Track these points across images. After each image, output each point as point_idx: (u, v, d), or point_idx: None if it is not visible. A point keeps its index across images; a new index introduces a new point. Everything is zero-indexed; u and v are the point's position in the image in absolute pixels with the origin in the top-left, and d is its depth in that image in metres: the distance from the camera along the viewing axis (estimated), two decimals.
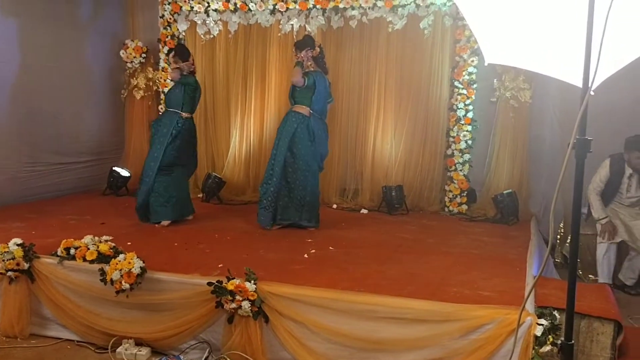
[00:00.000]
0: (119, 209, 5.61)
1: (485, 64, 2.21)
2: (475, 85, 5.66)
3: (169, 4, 6.35)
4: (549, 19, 1.95)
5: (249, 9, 6.08)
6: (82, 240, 3.77)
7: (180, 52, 5.10)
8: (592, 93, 1.82)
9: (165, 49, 6.47)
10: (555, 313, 2.91)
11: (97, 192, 6.49)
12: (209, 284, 3.29)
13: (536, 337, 2.79)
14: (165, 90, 6.51)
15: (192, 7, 6.26)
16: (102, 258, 3.61)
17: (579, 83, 1.84)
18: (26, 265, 3.63)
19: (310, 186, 4.82)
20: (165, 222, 4.90)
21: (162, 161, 4.85)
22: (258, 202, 4.94)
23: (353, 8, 5.78)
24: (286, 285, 3.32)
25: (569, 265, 1.97)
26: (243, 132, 6.46)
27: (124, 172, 6.45)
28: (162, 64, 6.52)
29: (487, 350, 2.89)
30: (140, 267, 3.43)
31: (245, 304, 3.20)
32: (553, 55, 2.01)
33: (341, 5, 5.80)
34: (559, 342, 2.63)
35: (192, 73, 5.06)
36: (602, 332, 3.07)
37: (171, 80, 5.28)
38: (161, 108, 6.60)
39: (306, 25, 5.97)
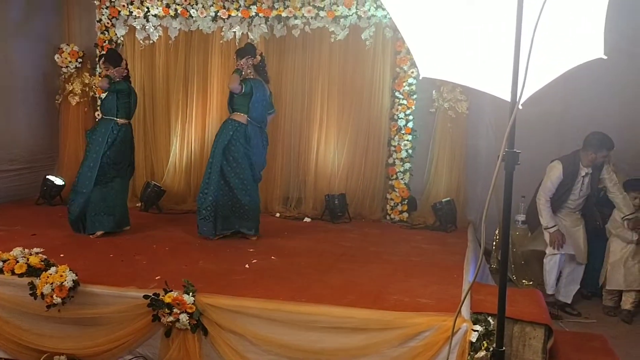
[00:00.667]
0: (52, 219, 5.39)
1: (420, 78, 2.26)
2: (415, 96, 5.78)
3: (107, 8, 6.18)
4: (479, 35, 2.02)
5: (190, 15, 6.00)
6: (11, 252, 3.60)
7: (111, 58, 4.97)
8: (520, 107, 1.89)
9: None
10: (490, 319, 3.00)
11: (29, 201, 6.21)
12: (146, 297, 3.21)
13: (471, 343, 2.87)
14: (102, 96, 6.33)
15: (131, 12, 6.11)
16: (32, 271, 3.46)
17: (508, 97, 1.92)
18: None
19: (249, 194, 4.78)
20: (99, 233, 4.74)
21: (99, 170, 4.71)
22: (197, 212, 4.85)
23: (296, 17, 5.81)
24: (226, 297, 3.28)
25: (499, 278, 2.03)
26: (184, 140, 6.35)
27: (58, 181, 6.20)
28: (98, 69, 6.33)
29: (425, 357, 2.95)
30: (73, 281, 3.31)
31: (183, 317, 3.14)
32: (484, 71, 2.08)
33: (284, 14, 5.81)
34: (492, 348, 2.73)
35: (125, 78, 4.94)
36: (534, 337, 3.18)
37: (100, 88, 5.19)
38: (97, 114, 6.40)
39: (249, 33, 5.95)
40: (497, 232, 5.62)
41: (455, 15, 2.03)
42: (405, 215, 5.90)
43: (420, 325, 2.98)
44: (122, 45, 6.31)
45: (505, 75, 1.91)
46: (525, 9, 1.83)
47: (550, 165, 4.69)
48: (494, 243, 5.63)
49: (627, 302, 4.63)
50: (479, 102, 5.66)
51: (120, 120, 4.84)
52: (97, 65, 6.33)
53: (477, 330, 2.88)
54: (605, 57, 2.04)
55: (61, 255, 3.94)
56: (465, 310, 3.04)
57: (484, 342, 2.85)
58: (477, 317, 3.01)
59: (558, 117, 5.37)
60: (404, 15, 2.13)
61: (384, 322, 3.05)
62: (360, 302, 3.27)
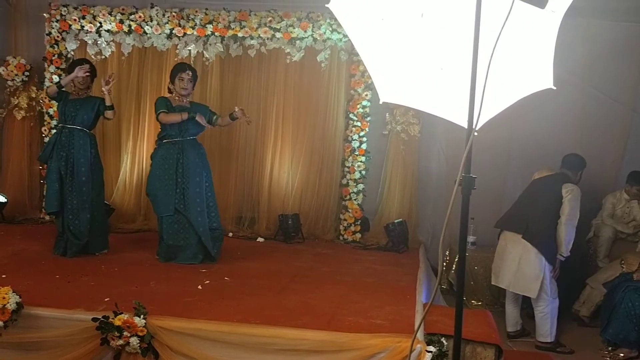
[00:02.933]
0: None
1: (380, 103, 2.31)
2: (369, 118, 5.87)
3: (57, 21, 6.02)
4: (437, 63, 2.09)
5: (145, 32, 5.93)
6: None
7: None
8: (475, 133, 1.96)
9: (52, 68, 6.11)
10: (443, 340, 3.04)
11: None
12: (94, 319, 3.11)
13: None
14: (50, 110, 6.15)
15: (83, 26, 5.98)
16: None
17: (464, 123, 1.98)
18: None
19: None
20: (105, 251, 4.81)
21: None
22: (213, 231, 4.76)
23: (252, 38, 5.82)
24: (178, 319, 3.21)
25: (456, 299, 2.07)
26: (135, 158, 6.21)
27: (0, 198, 5.95)
28: (47, 83, 6.14)
29: None
30: (16, 303, 3.18)
31: (134, 340, 3.05)
32: (441, 98, 2.15)
33: (240, 34, 5.82)
34: None
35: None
36: (485, 357, 3.25)
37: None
38: (44, 130, 6.20)
39: (204, 52, 5.92)
40: (447, 253, 5.73)
41: (414, 42, 2.09)
42: (358, 235, 5.94)
43: (375, 347, 3.00)
44: (73, 59, 6.15)
45: (461, 103, 1.98)
46: (481, 39, 1.90)
47: (571, 189, 4.48)
48: (445, 263, 5.74)
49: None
50: (431, 126, 5.80)
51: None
52: (46, 79, 6.14)
53: (431, 352, 2.92)
54: (554, 88, 2.15)
55: (3, 275, 3.78)
56: (419, 332, 3.08)
57: None
58: (430, 338, 3.05)
59: (506, 146, 5.57)
60: (363, 40, 2.18)
61: (338, 344, 3.05)
62: (315, 323, 3.27)
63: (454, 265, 5.63)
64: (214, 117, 4.89)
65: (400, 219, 5.70)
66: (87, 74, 4.72)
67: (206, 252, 4.65)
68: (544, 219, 4.51)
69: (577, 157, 4.78)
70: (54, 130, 5.39)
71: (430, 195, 5.97)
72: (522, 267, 4.53)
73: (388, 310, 3.59)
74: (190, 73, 4.76)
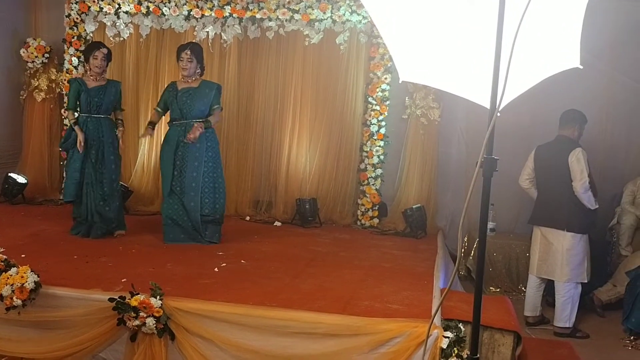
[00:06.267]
0: (14, 218, 5.22)
1: (400, 82, 2.25)
2: (388, 102, 5.80)
3: (77, 3, 6.02)
4: (460, 41, 2.02)
5: (162, 13, 5.90)
6: None
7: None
8: (498, 114, 1.89)
9: (71, 50, 6.13)
10: (460, 325, 3.00)
11: None
12: (111, 299, 3.12)
13: (442, 350, 2.86)
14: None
15: (102, 8, 5.98)
16: None
17: (487, 104, 1.92)
18: None
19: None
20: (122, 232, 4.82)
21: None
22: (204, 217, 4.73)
23: (270, 19, 5.76)
24: (194, 301, 3.21)
25: (475, 286, 2.03)
26: (152, 140, 6.21)
27: (21, 179, 6.00)
28: (66, 65, 6.16)
29: None
30: (35, 282, 3.19)
31: (150, 321, 3.06)
32: (463, 77, 2.09)
33: (258, 16, 5.76)
34: (464, 354, 2.73)
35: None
36: (503, 344, 3.20)
37: None
38: (63, 112, 6.24)
39: (222, 34, 5.88)
40: (465, 239, 5.67)
41: (437, 20, 2.02)
42: (376, 221, 5.90)
43: (391, 332, 2.96)
44: (92, 41, 6.15)
45: (484, 82, 1.91)
46: (506, 17, 1.83)
47: (573, 153, 4.46)
48: (462, 249, 5.67)
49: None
50: (451, 110, 5.71)
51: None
52: (65, 61, 6.16)
53: (448, 337, 2.87)
54: (581, 67, 2.07)
55: (22, 255, 3.79)
56: (436, 317, 3.04)
57: (455, 348, 2.85)
58: (447, 324, 3.01)
59: (528, 130, 5.45)
60: (384, 17, 2.11)
61: (354, 328, 3.03)
62: (331, 307, 3.24)
63: (472, 252, 5.57)
64: (215, 107, 4.76)
65: (419, 205, 5.63)
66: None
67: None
68: (569, 201, 4.49)
69: (574, 112, 4.64)
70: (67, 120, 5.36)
71: (449, 181, 5.89)
72: (569, 257, 4.51)
73: (405, 295, 3.55)
74: (189, 52, 4.67)
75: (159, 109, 4.83)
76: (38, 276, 3.23)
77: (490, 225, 5.44)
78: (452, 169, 5.89)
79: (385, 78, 5.73)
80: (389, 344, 2.95)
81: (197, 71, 4.75)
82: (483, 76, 1.93)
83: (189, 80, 4.72)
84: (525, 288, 5.01)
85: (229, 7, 5.76)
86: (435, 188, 5.91)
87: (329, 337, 3.03)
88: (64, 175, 5.32)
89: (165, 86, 4.83)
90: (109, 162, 4.71)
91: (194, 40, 5.69)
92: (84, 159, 4.65)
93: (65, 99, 6.17)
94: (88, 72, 4.77)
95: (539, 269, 4.68)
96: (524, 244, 5.31)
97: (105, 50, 4.75)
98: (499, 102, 1.84)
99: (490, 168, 1.90)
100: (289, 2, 5.67)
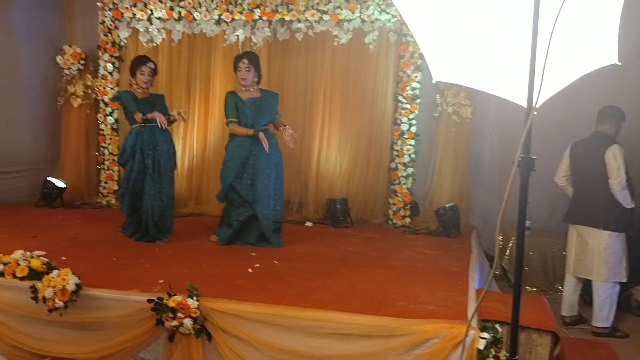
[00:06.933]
0: (53, 222, 5.36)
1: (433, 82, 2.24)
2: (418, 100, 5.76)
3: (110, 10, 6.16)
4: (495, 39, 2.00)
5: (194, 18, 5.98)
6: (12, 255, 3.56)
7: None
8: (535, 112, 1.87)
9: (106, 57, 6.26)
10: (497, 326, 2.96)
11: (29, 203, 6.17)
12: (149, 300, 3.17)
13: (479, 351, 2.83)
14: (105, 98, 6.32)
15: (135, 14, 6.09)
16: (34, 274, 3.41)
17: (523, 102, 1.89)
18: None
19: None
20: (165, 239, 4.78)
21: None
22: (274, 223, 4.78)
23: (299, 21, 5.79)
24: (230, 302, 3.24)
25: (514, 286, 2.00)
26: (186, 144, 6.32)
27: (59, 183, 6.17)
28: (101, 71, 6.31)
29: None
30: (75, 284, 3.27)
31: (187, 322, 3.11)
32: (499, 75, 2.06)
33: (287, 18, 5.79)
34: (501, 355, 2.70)
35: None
36: (541, 344, 3.15)
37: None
38: (100, 117, 6.39)
39: (252, 37, 5.93)
40: (500, 238, 5.59)
41: (470, 18, 2.00)
42: (408, 220, 5.86)
43: (427, 333, 2.95)
44: (125, 47, 6.28)
45: (520, 80, 1.89)
46: (541, 14, 1.80)
47: (610, 150, 4.39)
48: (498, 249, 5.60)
49: None
50: (484, 108, 5.64)
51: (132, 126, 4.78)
52: (100, 67, 6.31)
53: (485, 338, 2.84)
54: (619, 64, 2.02)
55: (63, 258, 3.89)
56: (473, 318, 3.01)
57: (492, 349, 2.82)
58: (484, 325, 2.97)
59: (562, 128, 5.34)
60: (417, 18, 2.10)
61: (389, 329, 3.02)
62: (364, 308, 3.23)
63: (508, 251, 5.49)
64: (277, 117, 4.84)
65: (452, 204, 5.58)
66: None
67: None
68: (605, 199, 4.40)
69: (612, 108, 4.54)
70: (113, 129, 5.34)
71: (482, 179, 5.81)
72: (606, 256, 4.44)
73: (440, 296, 3.51)
74: (247, 61, 4.66)
75: (235, 119, 4.67)
76: (78, 278, 3.31)
77: (526, 223, 5.34)
78: (484, 167, 5.81)
79: (416, 76, 5.70)
80: (425, 345, 2.94)
81: (255, 80, 4.74)
82: (519, 74, 1.91)
83: (251, 90, 4.72)
84: (562, 287, 4.94)
85: (259, 10, 5.81)
86: (468, 186, 5.85)
87: (364, 338, 3.02)
88: (119, 186, 5.40)
89: (228, 95, 4.75)
90: (166, 170, 4.72)
91: (224, 45, 5.76)
92: (142, 170, 4.65)
93: (102, 104, 6.33)
94: (134, 86, 4.79)
95: (576, 269, 4.61)
96: (560, 242, 5.20)
97: (152, 65, 4.79)
98: (535, 101, 1.81)
99: (527, 168, 1.88)
100: (317, 3, 5.69)
